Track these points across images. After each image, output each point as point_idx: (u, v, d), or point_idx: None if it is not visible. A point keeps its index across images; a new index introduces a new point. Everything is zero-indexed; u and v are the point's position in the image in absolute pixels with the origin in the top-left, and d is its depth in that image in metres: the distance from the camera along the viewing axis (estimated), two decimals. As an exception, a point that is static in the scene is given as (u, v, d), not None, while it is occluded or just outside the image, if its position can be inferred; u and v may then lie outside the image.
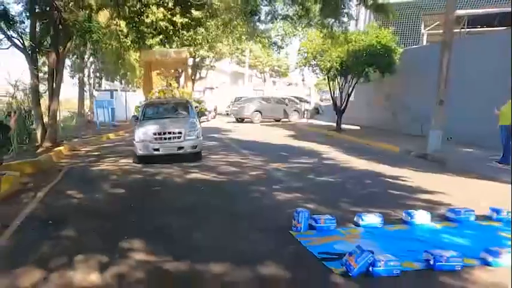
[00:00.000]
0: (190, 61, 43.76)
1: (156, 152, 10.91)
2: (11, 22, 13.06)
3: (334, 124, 21.32)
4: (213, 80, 54.04)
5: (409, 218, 5.85)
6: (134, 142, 11.25)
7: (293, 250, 5.07)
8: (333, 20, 10.33)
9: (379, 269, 4.23)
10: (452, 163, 11.28)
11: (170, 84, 15.82)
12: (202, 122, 16.61)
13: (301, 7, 10.81)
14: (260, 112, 27.56)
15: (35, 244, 5.42)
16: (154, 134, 10.95)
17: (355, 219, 5.90)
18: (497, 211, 6.05)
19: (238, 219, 6.36)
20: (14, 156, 11.68)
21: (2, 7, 12.97)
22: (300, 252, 4.99)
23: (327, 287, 4.15)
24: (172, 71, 17.04)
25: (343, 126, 21.22)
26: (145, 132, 11.09)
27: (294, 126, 24.28)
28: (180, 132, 10.98)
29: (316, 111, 33.47)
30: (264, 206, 7.10)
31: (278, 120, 28.31)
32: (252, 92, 46.81)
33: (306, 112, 31.94)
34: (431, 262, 4.39)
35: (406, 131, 17.73)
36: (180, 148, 10.94)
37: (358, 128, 21.78)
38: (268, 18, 13.96)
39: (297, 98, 34.22)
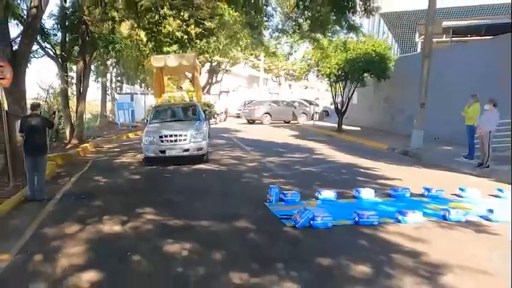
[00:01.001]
0: (207, 66, 46.17)
1: (162, 154, 11.32)
2: (46, 35, 15.06)
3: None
4: (230, 83, 55.98)
5: (357, 193, 7.56)
6: (142, 144, 11.76)
7: (262, 213, 6.83)
8: (321, 35, 11.87)
9: (317, 222, 5.96)
10: (427, 158, 12.82)
11: (181, 87, 17.08)
12: (211, 124, 18.16)
13: (294, 22, 12.46)
14: (270, 114, 29.23)
15: (73, 209, 7.32)
16: (161, 136, 11.33)
17: (315, 194, 7.61)
18: (429, 190, 7.71)
19: (229, 195, 8.16)
20: (48, 151, 13.69)
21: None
22: (267, 214, 6.75)
23: (280, 234, 5.87)
24: (188, 74, 18.56)
25: (345, 127, 22.80)
26: (152, 134, 11.50)
27: (300, 127, 25.93)
28: (185, 135, 11.33)
29: (326, 114, 35.07)
30: (252, 187, 8.87)
31: (287, 122, 29.88)
32: (268, 95, 48.24)
33: (315, 114, 33.55)
34: (357, 219, 6.10)
35: (401, 131, 19.13)
36: (186, 150, 11.29)
37: (359, 129, 23.30)
38: (269, 31, 15.62)
39: (306, 101, 35.66)
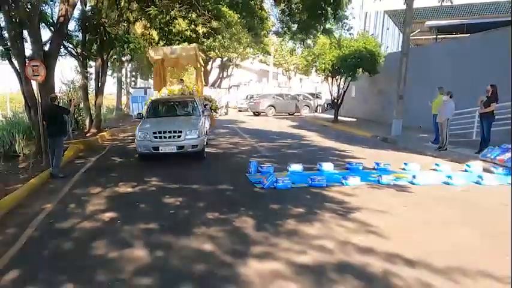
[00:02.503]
0: (218, 61, 48.22)
1: (155, 151, 10.82)
2: (70, 36, 17.12)
3: (339, 117, 24.67)
4: (241, 77, 57.96)
5: (320, 166, 9.45)
6: (135, 140, 11.31)
7: (241, 180, 8.78)
8: (307, 36, 13.67)
9: (279, 184, 7.89)
10: (401, 143, 14.61)
11: (182, 80, 16.92)
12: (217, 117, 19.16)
13: (285, 25, 14.30)
14: (274, 107, 31.12)
15: (95, 178, 9.36)
16: (154, 132, 10.86)
17: (287, 167, 9.53)
18: (378, 164, 9.59)
19: (219, 169, 10.16)
20: (71, 137, 15.82)
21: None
22: (244, 181, 8.71)
23: (249, 192, 7.81)
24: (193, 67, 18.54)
25: (342, 118, 24.62)
26: (145, 130, 11.11)
27: (300, 119, 27.79)
28: (180, 131, 10.82)
29: (330, 106, 36.80)
30: (239, 164, 10.78)
31: (291, 114, 31.72)
32: (278, 89, 50.03)
33: (318, 107, 35.38)
34: (310, 182, 8.01)
35: (391, 121, 20.84)
36: (180, 147, 10.78)
37: (355, 119, 25.08)
38: (263, 32, 17.44)
39: (311, 94, 37.50)
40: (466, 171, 9.37)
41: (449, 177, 8.26)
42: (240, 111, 37.06)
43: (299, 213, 6.39)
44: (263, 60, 50.25)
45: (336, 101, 24.18)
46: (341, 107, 24.57)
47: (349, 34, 22.56)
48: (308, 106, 32.56)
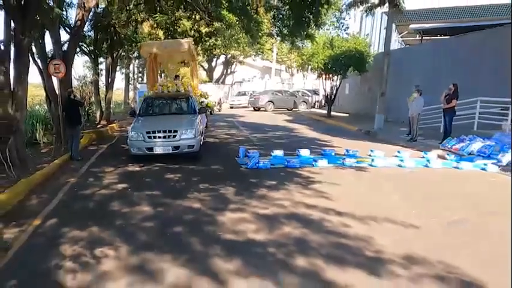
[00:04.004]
0: (222, 58, 49.92)
1: (149, 152, 10.32)
2: (83, 36, 18.85)
3: (333, 112, 26.36)
4: (245, 74, 59.55)
5: (298, 152, 11.13)
6: (128, 141, 10.74)
7: (231, 162, 10.51)
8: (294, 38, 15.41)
9: (261, 165, 9.61)
10: (380, 136, 16.23)
11: (177, 76, 16.66)
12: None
13: (277, 29, 15.97)
14: (273, 102, 32.80)
15: (108, 160, 11.12)
16: (148, 132, 10.31)
17: (270, 153, 11.22)
18: (348, 150, 11.26)
19: (214, 155, 11.84)
20: (84, 128, 17.59)
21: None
22: (233, 163, 10.43)
23: (235, 171, 9.52)
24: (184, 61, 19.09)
25: (336, 113, 26.30)
26: (138, 130, 10.53)
27: (297, 114, 29.46)
28: (175, 131, 10.30)
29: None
30: (232, 150, 12.46)
31: (290, 109, 33.36)
32: (280, 85, 51.57)
33: (316, 103, 37.04)
34: (286, 164, 9.71)
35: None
36: (176, 148, 10.29)
37: (347, 115, 26.73)
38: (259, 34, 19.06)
39: (310, 90, 39.16)
40: (422, 157, 11.01)
41: (401, 160, 9.94)
42: (231, 107, 38.01)
43: (271, 184, 8.10)
44: (266, 57, 51.77)
45: (329, 97, 25.82)
46: (336, 103, 26.26)
47: (346, 34, 24.38)
48: (306, 102, 34.22)
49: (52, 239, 5.50)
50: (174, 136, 10.30)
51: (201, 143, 11.30)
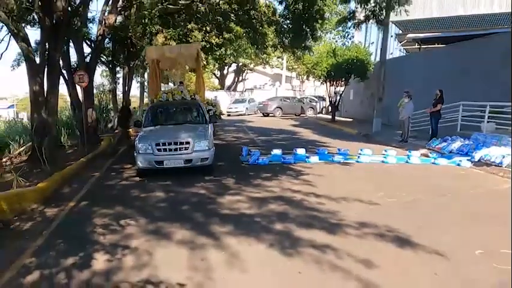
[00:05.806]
0: (233, 66, 51.61)
1: (159, 166, 9.47)
2: (103, 48, 20.49)
3: (338, 117, 27.70)
4: (256, 81, 61.08)
5: (295, 151, 12.46)
6: (135, 154, 9.84)
7: (235, 160, 11.90)
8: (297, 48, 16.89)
9: (260, 161, 10.99)
10: (376, 138, 17.47)
11: (181, 82, 16.47)
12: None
13: (280, 40, 17.44)
14: (281, 108, 34.19)
15: (127, 159, 12.56)
16: (158, 144, 9.44)
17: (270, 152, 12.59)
18: (339, 149, 12.55)
19: (221, 153, 13.21)
20: (104, 132, 19.19)
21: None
22: (237, 160, 11.83)
23: (238, 166, 10.91)
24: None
25: (340, 118, 27.60)
26: (147, 142, 9.63)
27: (304, 119, 30.80)
28: (187, 143, 9.47)
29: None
30: (237, 150, 13.81)
31: (298, 115, 34.68)
32: (290, 92, 52.92)
33: (323, 108, 38.34)
34: (282, 160, 11.08)
35: (382, 121, 23.73)
36: (188, 161, 9.45)
37: (351, 120, 27.97)
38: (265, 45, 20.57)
39: (318, 97, 40.52)
40: (407, 156, 12.25)
41: (385, 157, 11.24)
42: (229, 115, 37.45)
43: (266, 176, 9.48)
44: (274, 65, 53.37)
45: (333, 102, 27.13)
46: (341, 109, 27.55)
47: (352, 42, 25.80)
48: (313, 108, 35.58)
49: (86, 214, 6.96)
50: (186, 148, 9.43)
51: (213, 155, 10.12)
